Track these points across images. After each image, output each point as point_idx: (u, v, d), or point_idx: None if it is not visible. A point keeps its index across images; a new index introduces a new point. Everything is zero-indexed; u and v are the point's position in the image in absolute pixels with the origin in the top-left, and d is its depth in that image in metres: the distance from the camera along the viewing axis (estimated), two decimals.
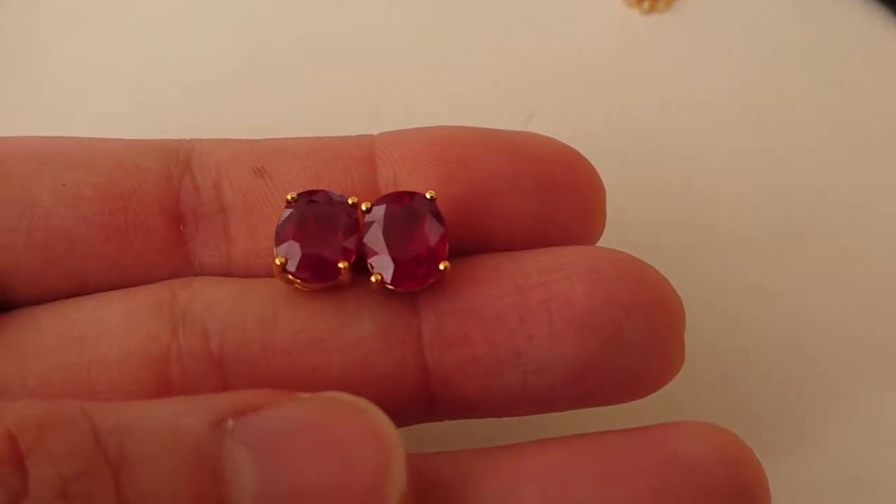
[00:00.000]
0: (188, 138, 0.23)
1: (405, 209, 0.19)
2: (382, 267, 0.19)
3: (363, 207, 0.20)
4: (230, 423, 0.16)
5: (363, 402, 0.17)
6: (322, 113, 0.27)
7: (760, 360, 0.24)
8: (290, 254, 0.19)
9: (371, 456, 0.16)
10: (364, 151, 0.22)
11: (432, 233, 0.19)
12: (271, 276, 0.20)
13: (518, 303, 0.20)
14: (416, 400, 0.20)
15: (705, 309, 0.22)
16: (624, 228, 0.23)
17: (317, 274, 0.19)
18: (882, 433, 0.23)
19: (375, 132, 0.22)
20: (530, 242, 0.21)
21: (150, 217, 0.21)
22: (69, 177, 0.21)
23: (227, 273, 0.21)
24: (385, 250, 0.19)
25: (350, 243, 0.19)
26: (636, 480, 0.18)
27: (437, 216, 0.19)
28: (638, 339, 0.19)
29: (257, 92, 0.29)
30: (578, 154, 0.22)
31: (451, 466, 0.19)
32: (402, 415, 0.19)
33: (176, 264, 0.21)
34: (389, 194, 0.20)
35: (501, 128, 0.23)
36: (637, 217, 0.25)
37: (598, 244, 0.22)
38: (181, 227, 0.21)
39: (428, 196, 0.20)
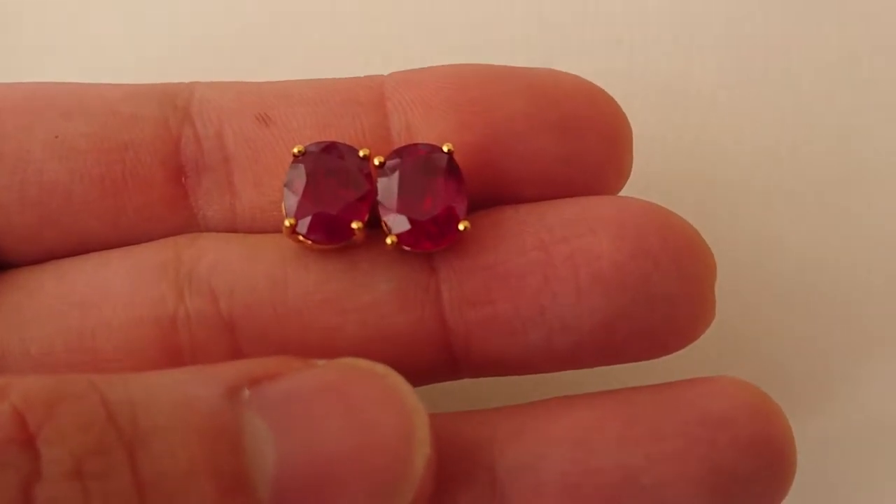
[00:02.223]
0: (187, 82, 0.21)
1: (421, 164, 0.18)
2: (398, 227, 0.18)
3: (376, 162, 0.18)
4: (246, 392, 0.15)
5: (381, 368, 0.17)
6: (328, 63, 0.25)
7: (786, 314, 0.23)
8: (299, 214, 0.18)
9: (393, 421, 0.16)
10: (373, 94, 0.20)
11: (451, 190, 0.18)
12: (280, 230, 0.19)
13: (542, 259, 0.19)
14: (437, 360, 0.19)
15: (728, 262, 0.21)
16: (647, 180, 0.22)
17: (329, 235, 0.18)
18: None
19: None
20: (553, 188, 0.20)
21: (149, 169, 0.20)
22: (62, 128, 0.19)
23: (232, 228, 0.20)
24: (401, 209, 0.18)
25: (363, 200, 0.18)
26: (664, 442, 0.18)
27: (456, 171, 0.18)
28: (667, 290, 0.18)
29: (260, 39, 0.27)
30: (602, 91, 0.20)
31: (475, 428, 0.19)
32: (421, 374, 0.19)
33: (179, 219, 0.20)
34: (404, 147, 0.19)
35: None
36: (656, 169, 0.24)
37: (622, 193, 0.21)
38: (183, 179, 0.20)
39: (445, 149, 0.18)
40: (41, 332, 0.18)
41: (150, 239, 0.20)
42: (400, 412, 0.16)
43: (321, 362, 0.17)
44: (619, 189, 0.21)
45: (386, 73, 0.21)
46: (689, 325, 0.19)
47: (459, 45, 0.26)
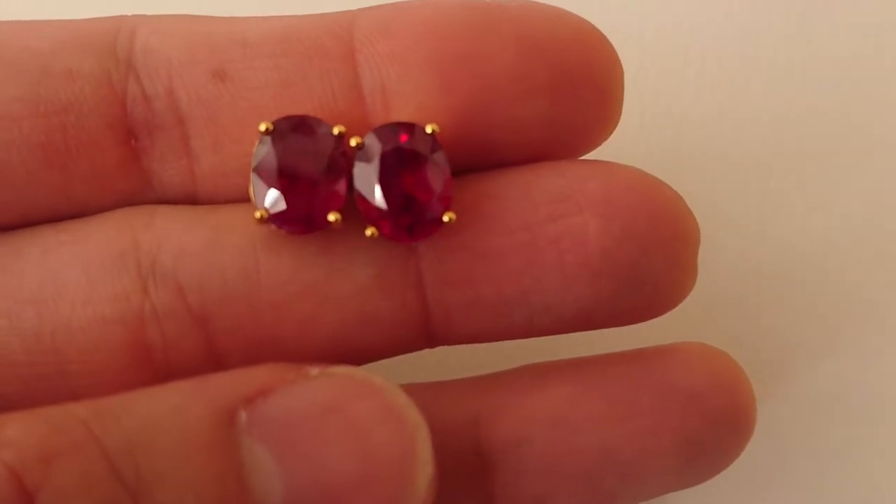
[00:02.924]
0: (128, 16, 0.19)
1: (403, 151, 0.17)
2: (378, 220, 0.17)
3: (353, 143, 0.17)
4: (243, 416, 0.15)
5: (379, 381, 0.16)
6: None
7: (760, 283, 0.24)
8: (271, 204, 0.17)
9: (396, 441, 0.15)
10: (342, 45, 0.18)
11: (435, 179, 0.17)
12: (245, 199, 0.18)
13: (526, 241, 0.18)
14: (415, 337, 0.19)
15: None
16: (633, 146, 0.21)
17: (304, 226, 0.17)
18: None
19: None
20: (539, 150, 0.19)
21: (95, 133, 0.18)
22: None
23: (192, 194, 0.19)
24: (381, 200, 0.17)
25: (339, 186, 0.17)
26: (639, 419, 0.18)
27: (440, 156, 0.17)
28: (653, 274, 0.18)
29: None
30: (598, 34, 0.18)
31: (455, 407, 0.19)
32: (397, 350, 0.19)
33: (133, 184, 0.19)
34: (383, 126, 0.17)
35: None
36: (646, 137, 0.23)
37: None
38: (133, 142, 0.18)
39: (429, 130, 0.17)
40: None
41: (104, 207, 0.18)
42: (402, 431, 0.15)
43: (314, 371, 0.16)
44: (606, 138, 0.20)
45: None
46: (669, 301, 0.19)
47: None
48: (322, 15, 0.19)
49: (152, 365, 0.17)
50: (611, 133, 0.19)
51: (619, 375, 0.19)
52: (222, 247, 0.17)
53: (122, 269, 0.17)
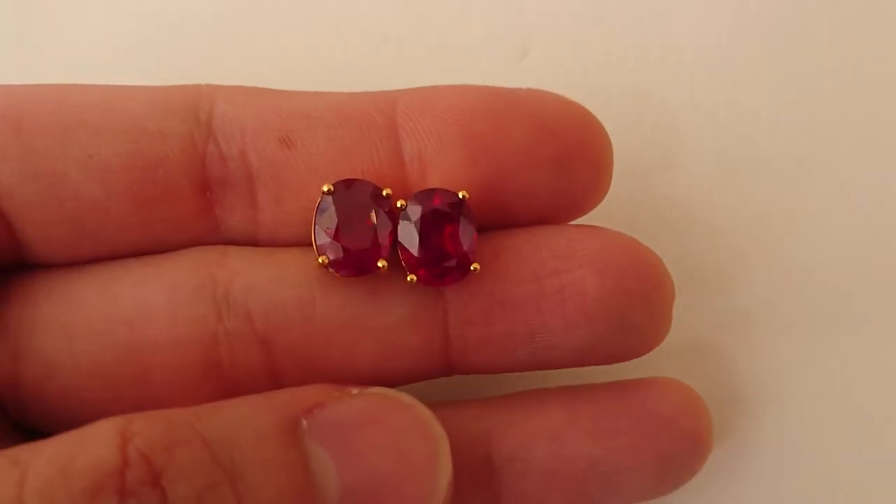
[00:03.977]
0: (204, 84, 0.22)
1: (439, 212, 0.20)
2: (417, 267, 0.21)
3: (398, 205, 0.21)
4: (304, 423, 0.19)
5: (407, 398, 0.20)
6: (317, 49, 0.26)
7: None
8: (331, 251, 0.20)
9: (423, 447, 0.19)
10: (387, 120, 0.22)
11: (465, 235, 0.21)
12: (300, 245, 0.22)
13: (536, 291, 0.22)
14: (436, 367, 0.22)
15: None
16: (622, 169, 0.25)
17: (357, 271, 0.20)
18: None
19: (372, 70, 0.22)
20: (545, 214, 0.22)
21: (178, 185, 0.21)
22: (95, 147, 0.21)
23: (253, 239, 0.22)
24: (421, 252, 0.20)
25: (385, 238, 0.21)
26: (622, 436, 0.22)
27: (469, 216, 0.21)
28: (637, 320, 0.22)
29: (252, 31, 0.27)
30: (593, 118, 0.23)
31: (471, 423, 0.22)
32: (420, 377, 0.22)
33: (204, 229, 0.22)
34: (423, 192, 0.21)
35: (496, 67, 0.24)
36: (632, 155, 0.27)
37: None
38: (208, 193, 0.22)
39: (461, 196, 0.21)
40: (91, 347, 0.20)
41: (177, 246, 0.22)
42: (428, 439, 0.19)
43: (355, 391, 0.20)
44: (598, 204, 0.24)
45: (371, 65, 0.23)
46: (650, 342, 0.23)
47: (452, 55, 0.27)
48: (369, 93, 0.23)
49: (222, 380, 0.21)
50: (601, 200, 0.24)
51: (605, 401, 0.23)
52: (285, 283, 0.21)
53: (201, 298, 0.21)
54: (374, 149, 0.22)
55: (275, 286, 0.21)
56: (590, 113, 0.23)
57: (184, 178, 0.21)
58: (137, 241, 0.22)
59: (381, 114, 0.22)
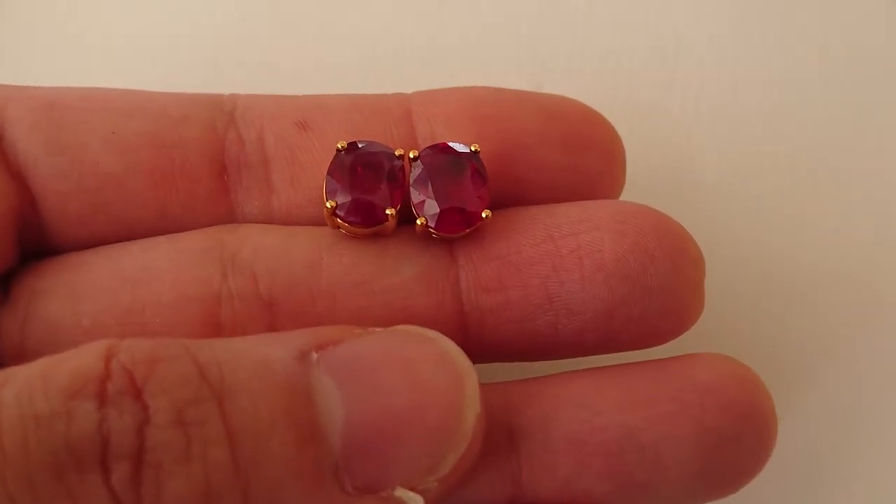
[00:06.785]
0: (229, 94, 0.23)
1: (451, 160, 0.20)
2: (428, 211, 0.20)
3: (411, 155, 0.20)
4: (314, 355, 0.17)
5: (432, 333, 0.18)
6: (334, 79, 0.28)
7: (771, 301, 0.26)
8: (340, 198, 0.20)
9: (447, 380, 0.17)
10: (401, 108, 0.22)
11: (476, 183, 0.20)
12: (313, 224, 0.21)
13: (551, 250, 0.21)
14: (452, 338, 0.21)
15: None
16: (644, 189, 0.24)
17: (365, 218, 0.20)
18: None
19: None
20: (559, 193, 0.22)
21: (196, 165, 0.22)
22: (118, 124, 0.21)
23: (268, 222, 0.22)
24: (432, 197, 0.20)
25: (396, 191, 0.20)
26: (658, 405, 0.20)
27: (481, 168, 0.20)
28: (662, 282, 0.20)
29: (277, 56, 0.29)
30: (600, 115, 0.23)
31: (490, 397, 0.20)
32: None
33: (220, 211, 0.22)
34: (435, 145, 0.21)
35: None
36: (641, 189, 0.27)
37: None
38: (225, 176, 0.22)
39: (472, 149, 0.20)
40: (93, 307, 0.20)
41: (193, 228, 0.22)
42: (452, 372, 0.18)
43: (378, 329, 0.18)
44: (614, 193, 0.23)
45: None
46: (681, 315, 0.21)
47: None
48: (385, 93, 0.23)
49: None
50: (619, 192, 0.23)
51: (640, 373, 0.21)
52: (293, 245, 0.21)
53: (207, 259, 0.20)
54: (388, 130, 0.22)
55: (281, 248, 0.21)
56: (596, 110, 0.23)
57: (202, 159, 0.22)
58: (152, 221, 0.22)
59: (396, 103, 0.23)
